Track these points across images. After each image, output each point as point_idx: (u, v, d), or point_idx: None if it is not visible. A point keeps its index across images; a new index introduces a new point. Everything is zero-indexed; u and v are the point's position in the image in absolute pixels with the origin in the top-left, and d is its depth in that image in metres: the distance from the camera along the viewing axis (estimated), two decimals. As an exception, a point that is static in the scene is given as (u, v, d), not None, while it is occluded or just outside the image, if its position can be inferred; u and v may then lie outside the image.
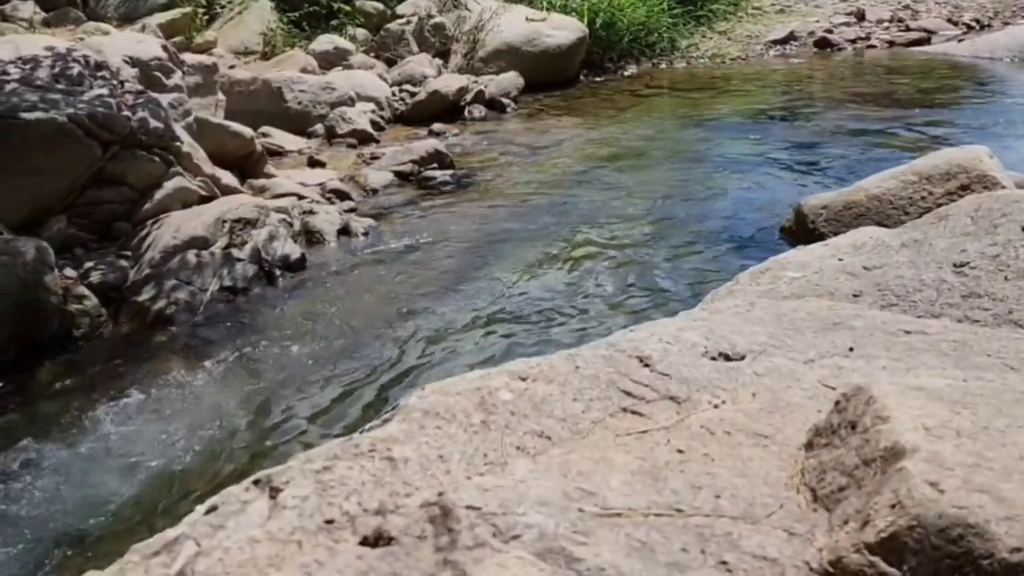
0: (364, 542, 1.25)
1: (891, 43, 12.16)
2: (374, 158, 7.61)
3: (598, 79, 11.00)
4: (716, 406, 1.64)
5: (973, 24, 12.78)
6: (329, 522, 1.29)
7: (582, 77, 10.98)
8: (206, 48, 9.73)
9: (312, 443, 3.33)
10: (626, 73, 11.25)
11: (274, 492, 1.38)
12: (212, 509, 1.37)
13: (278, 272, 5.24)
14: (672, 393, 1.69)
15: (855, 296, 2.61)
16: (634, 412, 1.62)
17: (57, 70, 5.30)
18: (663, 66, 11.61)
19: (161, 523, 2.90)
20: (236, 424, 3.80)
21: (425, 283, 5.08)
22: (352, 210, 6.35)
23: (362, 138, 8.24)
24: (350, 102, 8.79)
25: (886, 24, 12.94)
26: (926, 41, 12.08)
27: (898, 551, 1.14)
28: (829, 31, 12.61)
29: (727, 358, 1.89)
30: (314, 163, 7.55)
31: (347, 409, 3.86)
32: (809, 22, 13.16)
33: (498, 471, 1.41)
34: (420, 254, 5.53)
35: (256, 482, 1.42)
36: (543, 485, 1.32)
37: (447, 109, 9.20)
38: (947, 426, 1.29)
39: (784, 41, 12.40)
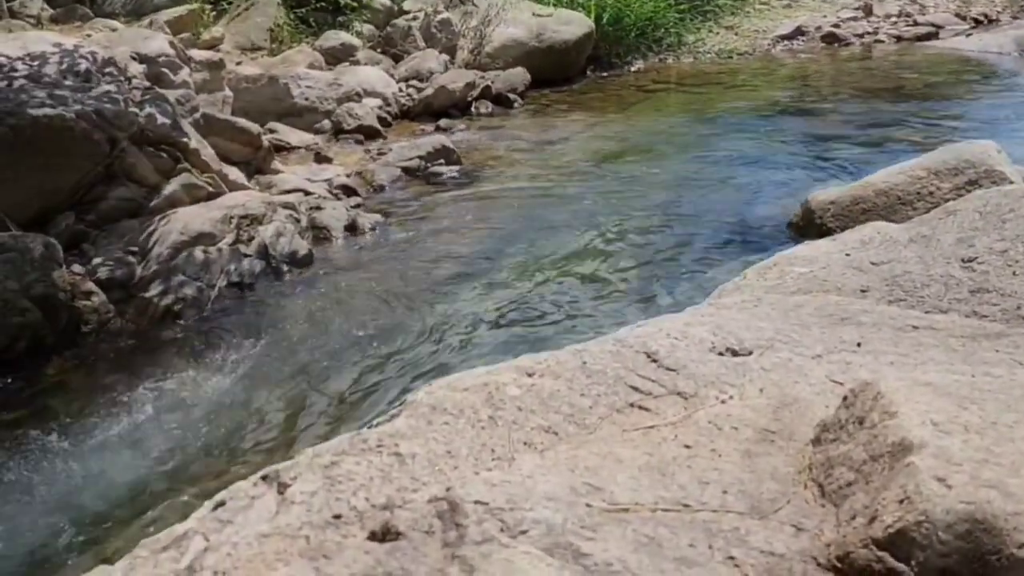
0: (372, 537, 1.25)
1: (899, 38, 12.13)
2: (381, 154, 7.61)
3: (605, 74, 10.98)
4: (723, 401, 1.64)
5: (981, 19, 12.75)
6: (337, 517, 1.29)
7: (589, 72, 10.96)
8: (213, 44, 9.74)
9: (320, 438, 3.34)
10: (633, 68, 11.23)
11: (282, 487, 1.38)
12: (220, 504, 1.38)
13: (285, 268, 5.24)
14: (679, 388, 1.69)
15: (863, 291, 2.61)
16: (641, 407, 1.62)
17: (65, 67, 5.31)
18: (670, 61, 11.59)
19: (169, 517, 2.91)
20: (244, 419, 3.81)
21: (432, 279, 5.09)
22: (359, 206, 6.35)
23: (369, 134, 8.24)
24: (357, 98, 8.79)
25: (894, 19, 12.91)
26: (934, 36, 12.05)
27: (906, 546, 1.14)
28: (836, 26, 12.58)
29: (734, 353, 1.89)
30: (321, 159, 7.54)
31: (355, 404, 3.86)
32: (816, 17, 13.13)
33: (506, 466, 1.41)
34: (427, 250, 5.53)
35: (264, 477, 1.43)
36: (550, 480, 1.32)
37: (454, 105, 9.20)
38: (955, 421, 1.29)
39: (791, 36, 12.38)
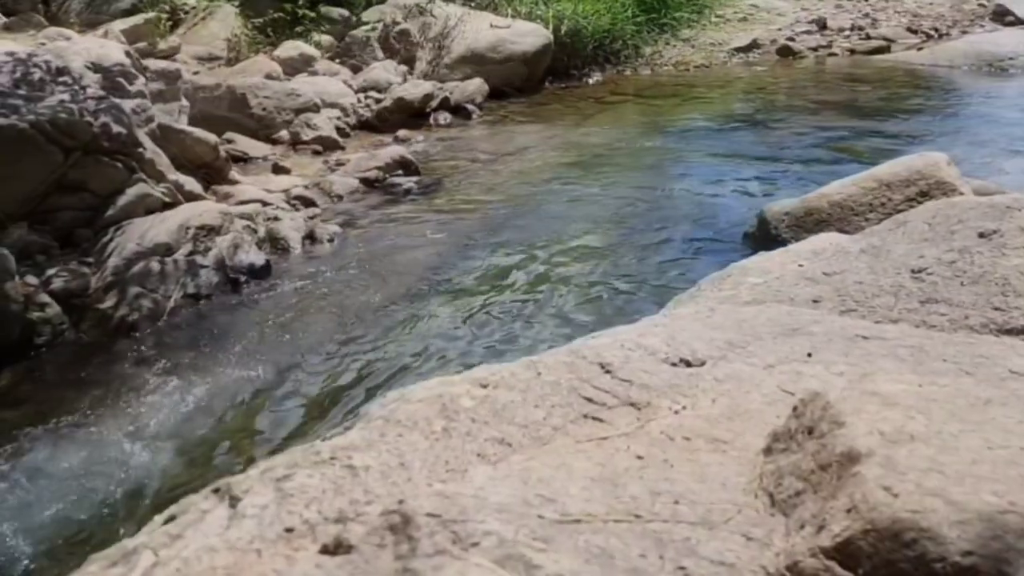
0: (324, 550, 1.24)
1: (852, 51, 12.30)
2: (339, 164, 7.59)
3: (563, 86, 11.02)
4: (676, 412, 1.65)
5: (932, 33, 12.95)
6: (289, 531, 1.29)
7: (547, 84, 11.00)
8: (170, 54, 9.66)
9: (273, 451, 3.32)
10: (591, 80, 11.29)
11: (233, 501, 1.37)
12: (171, 519, 1.37)
13: (242, 279, 5.21)
14: (633, 399, 1.70)
15: (815, 302, 2.64)
16: (595, 418, 1.63)
17: (18, 75, 5.23)
18: (627, 73, 11.66)
19: (119, 537, 2.88)
20: (197, 433, 3.77)
21: (389, 290, 5.07)
22: (317, 217, 6.33)
23: (327, 144, 8.21)
24: (315, 108, 8.75)
25: (847, 32, 13.09)
26: (886, 49, 12.22)
27: (853, 555, 1.15)
28: (791, 39, 12.73)
29: (688, 364, 1.91)
30: (279, 169, 7.49)
31: (309, 418, 3.84)
32: (771, 30, 13.28)
33: (459, 478, 1.41)
34: (385, 261, 5.51)
35: (216, 491, 1.42)
36: (503, 492, 1.33)
37: (413, 115, 9.19)
38: (902, 431, 1.31)
39: (747, 49, 12.51)
